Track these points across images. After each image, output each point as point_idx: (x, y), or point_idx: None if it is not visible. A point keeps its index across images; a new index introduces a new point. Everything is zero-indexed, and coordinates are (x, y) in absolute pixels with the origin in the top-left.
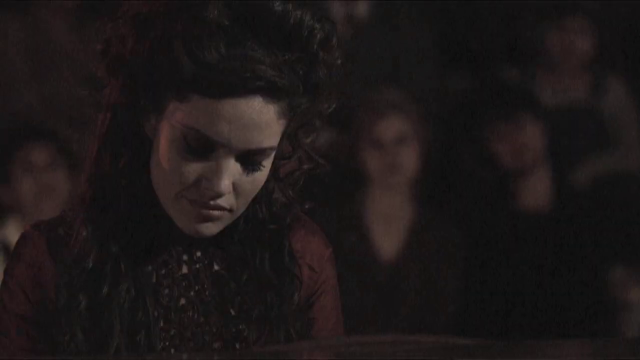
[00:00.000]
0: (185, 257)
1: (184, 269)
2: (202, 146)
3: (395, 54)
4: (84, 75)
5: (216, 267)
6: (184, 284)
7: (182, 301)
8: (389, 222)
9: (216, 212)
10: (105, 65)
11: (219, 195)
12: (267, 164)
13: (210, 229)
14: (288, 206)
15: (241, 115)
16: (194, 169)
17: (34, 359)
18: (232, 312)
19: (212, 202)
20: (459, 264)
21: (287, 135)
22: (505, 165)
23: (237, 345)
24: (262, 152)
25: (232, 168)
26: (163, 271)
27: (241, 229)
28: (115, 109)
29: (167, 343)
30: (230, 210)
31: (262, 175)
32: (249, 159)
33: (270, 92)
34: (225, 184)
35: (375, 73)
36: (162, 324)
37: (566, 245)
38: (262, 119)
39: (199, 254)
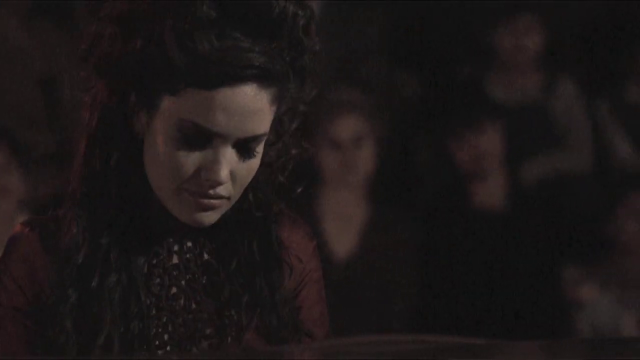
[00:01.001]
0: (176, 248)
1: (175, 259)
2: (199, 137)
3: (348, 53)
4: (37, 74)
5: (206, 257)
6: (174, 273)
7: (174, 290)
8: (344, 222)
9: (216, 201)
10: (92, 66)
11: (220, 184)
12: (260, 150)
13: (210, 217)
14: (274, 193)
15: (236, 103)
16: (192, 160)
17: (34, 359)
18: (223, 299)
19: (212, 192)
20: (414, 263)
21: (273, 121)
22: (460, 164)
23: (229, 331)
24: (256, 139)
25: (229, 156)
26: (154, 261)
27: (229, 218)
28: (103, 109)
29: (159, 329)
30: (229, 198)
31: (256, 161)
32: (245, 147)
33: (263, 79)
34: (225, 172)
35: (330, 73)
36: (154, 312)
37: (519, 245)
38: (256, 106)
39: (189, 244)
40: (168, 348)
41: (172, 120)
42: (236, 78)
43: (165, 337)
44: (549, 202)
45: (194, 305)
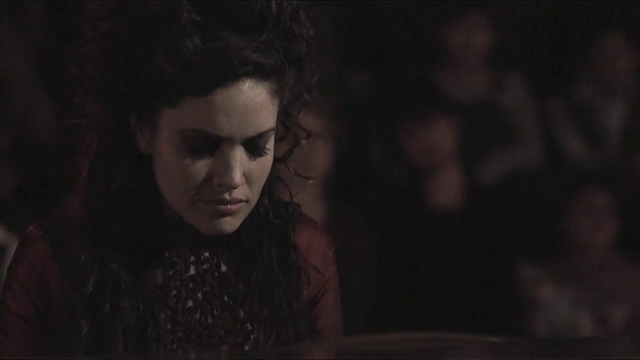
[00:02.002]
0: (192, 258)
1: (192, 270)
2: (205, 144)
3: None
4: None
5: (224, 268)
6: (191, 285)
7: (190, 303)
8: None
9: (234, 206)
10: (85, 91)
11: (234, 187)
12: (271, 146)
13: (231, 223)
14: (290, 194)
15: (235, 103)
16: (202, 169)
17: (36, 359)
18: (242, 314)
19: (228, 197)
20: (370, 261)
21: (279, 115)
22: (416, 162)
23: (246, 347)
24: (264, 136)
25: (240, 158)
26: (171, 272)
27: (247, 226)
28: (103, 132)
29: (174, 346)
30: (247, 201)
31: (268, 158)
32: (254, 145)
33: (257, 74)
34: (238, 175)
35: None
36: (169, 327)
37: (475, 243)
38: (256, 102)
39: (206, 254)
40: None
41: (175, 132)
42: (230, 78)
43: (180, 352)
44: (503, 199)
45: (210, 320)
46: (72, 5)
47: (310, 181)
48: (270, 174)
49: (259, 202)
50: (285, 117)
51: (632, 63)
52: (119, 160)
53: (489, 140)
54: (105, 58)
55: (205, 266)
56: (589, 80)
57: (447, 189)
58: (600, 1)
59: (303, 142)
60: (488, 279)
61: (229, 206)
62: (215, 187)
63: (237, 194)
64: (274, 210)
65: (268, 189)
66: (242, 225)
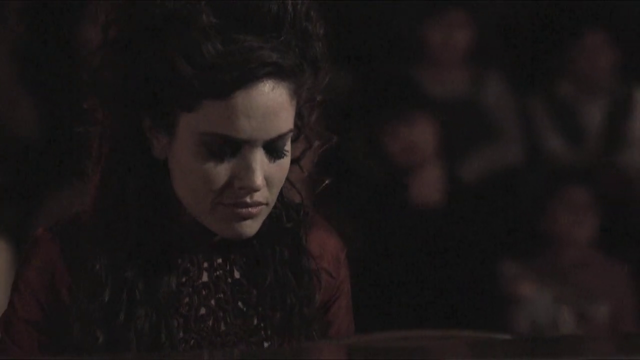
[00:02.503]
0: (205, 265)
1: (204, 277)
2: (226, 148)
3: None
4: None
5: (237, 275)
6: (204, 292)
7: (202, 310)
8: None
9: (255, 209)
10: (97, 98)
11: (256, 190)
12: (289, 148)
13: (252, 226)
14: (302, 196)
15: (256, 105)
16: (223, 172)
17: (41, 358)
18: (255, 322)
19: (249, 200)
20: (351, 258)
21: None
22: (398, 161)
23: None
24: (283, 137)
25: (260, 160)
26: (184, 279)
27: (260, 231)
28: (115, 138)
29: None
30: (267, 204)
31: (287, 161)
32: (274, 147)
33: (277, 75)
34: (260, 178)
35: None
36: (181, 334)
37: (457, 241)
38: (277, 103)
39: (219, 260)
40: None
41: (194, 137)
42: (250, 79)
43: (192, 352)
44: (484, 196)
45: (223, 328)
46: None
47: (326, 182)
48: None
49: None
50: (298, 118)
51: (612, 61)
52: (132, 166)
53: (470, 138)
54: (118, 63)
55: (218, 273)
56: (569, 78)
57: (428, 187)
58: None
59: (317, 143)
60: (470, 277)
61: (250, 209)
62: (237, 190)
63: (259, 196)
64: (286, 213)
65: (280, 191)
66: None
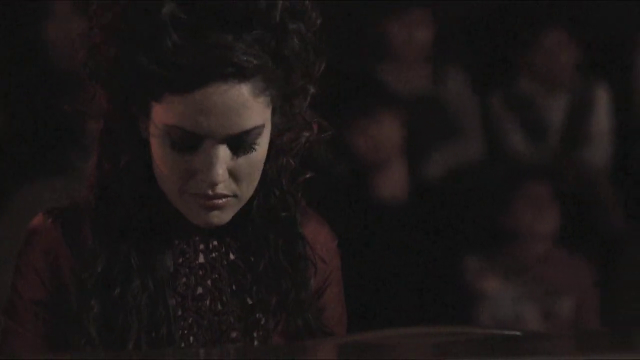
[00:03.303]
0: (202, 247)
1: (201, 258)
2: (187, 141)
3: None
4: None
5: (232, 257)
6: (200, 273)
7: (199, 290)
8: None
9: (220, 201)
10: (87, 74)
11: (215, 184)
12: (261, 142)
13: (220, 217)
14: (297, 187)
15: (214, 103)
16: (186, 164)
17: (47, 358)
18: (250, 302)
19: (211, 192)
20: None
21: (280, 109)
22: (363, 158)
23: (255, 334)
24: (248, 133)
25: (222, 155)
26: (180, 260)
27: (254, 218)
28: (107, 117)
29: (185, 331)
30: (235, 196)
31: (258, 155)
32: (238, 143)
33: (239, 74)
34: (219, 172)
35: None
36: (180, 312)
37: (421, 237)
38: (237, 102)
39: (215, 242)
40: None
41: (161, 126)
42: (209, 79)
43: (191, 339)
44: (447, 193)
45: (220, 307)
46: None
47: (307, 175)
48: (279, 165)
49: (268, 193)
50: (288, 108)
51: (572, 58)
52: (122, 144)
53: (433, 135)
54: (104, 46)
55: (214, 254)
56: (530, 75)
57: (393, 184)
58: None
59: (306, 134)
60: (434, 273)
61: (214, 201)
62: (199, 182)
63: (222, 189)
64: (282, 201)
65: (277, 179)
66: (249, 217)
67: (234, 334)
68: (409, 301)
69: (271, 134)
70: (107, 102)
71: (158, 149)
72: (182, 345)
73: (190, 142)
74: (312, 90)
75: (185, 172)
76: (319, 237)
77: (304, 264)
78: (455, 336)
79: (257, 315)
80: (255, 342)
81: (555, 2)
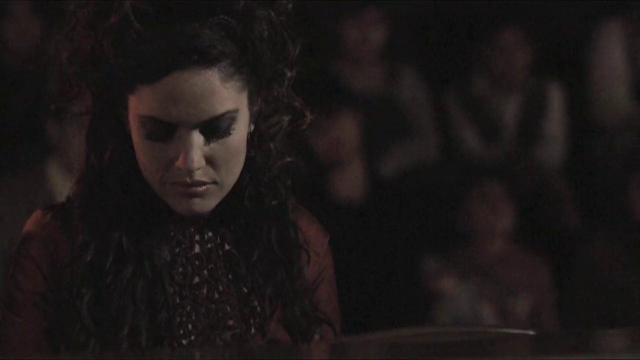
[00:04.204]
0: (197, 237)
1: (197, 249)
2: (161, 130)
3: None
4: None
5: (227, 247)
6: (197, 262)
7: (196, 279)
8: None
9: (200, 188)
10: (72, 73)
11: (191, 171)
12: (237, 127)
13: (202, 205)
14: (284, 175)
15: (182, 91)
16: (162, 152)
17: (41, 359)
18: (245, 290)
19: (189, 180)
20: None
21: (259, 93)
22: (322, 157)
23: (252, 321)
24: (220, 119)
25: (196, 142)
26: (177, 250)
27: (247, 208)
28: (92, 114)
29: (183, 319)
30: (215, 183)
31: (234, 140)
32: (212, 128)
33: (204, 61)
34: (194, 159)
35: None
36: (178, 301)
37: (379, 237)
38: (205, 88)
39: (210, 234)
40: (192, 338)
41: (136, 118)
42: (174, 67)
43: (189, 326)
44: (404, 192)
45: (216, 295)
46: None
47: (289, 159)
48: (264, 151)
49: (258, 182)
50: (267, 94)
51: (527, 58)
52: (108, 137)
53: (388, 134)
54: (85, 45)
55: (209, 245)
56: (484, 74)
57: (351, 183)
58: None
59: (286, 118)
60: (391, 272)
61: (194, 188)
62: (176, 170)
63: (200, 176)
64: (272, 189)
65: (265, 166)
66: (241, 208)
67: (230, 322)
68: (367, 301)
69: (256, 119)
70: (92, 99)
71: (136, 141)
72: (181, 332)
73: (163, 132)
74: (289, 73)
75: (162, 162)
76: (311, 232)
77: (297, 251)
78: (467, 335)
79: (253, 303)
80: (252, 330)
81: (509, 2)
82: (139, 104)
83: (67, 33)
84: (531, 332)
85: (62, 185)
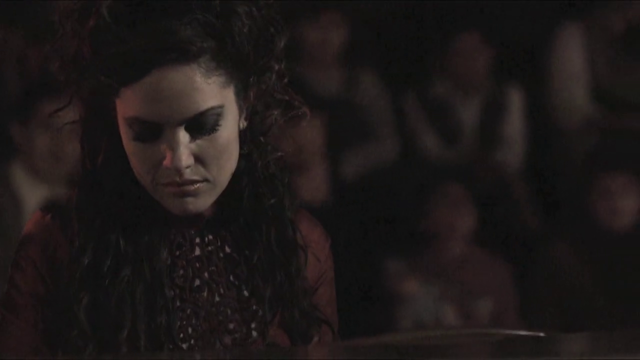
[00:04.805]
0: (197, 240)
1: (197, 251)
2: (147, 130)
3: None
4: None
5: (227, 250)
6: (197, 265)
7: (197, 282)
8: None
9: (191, 187)
10: (63, 82)
11: (179, 169)
12: (224, 123)
13: (196, 204)
14: (282, 172)
15: (163, 89)
16: (151, 153)
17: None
18: (246, 294)
19: (179, 179)
20: None
21: (248, 88)
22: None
23: (253, 325)
24: (204, 115)
25: (183, 140)
26: (177, 252)
27: (245, 209)
28: (84, 119)
29: (184, 322)
30: (207, 181)
31: (222, 136)
32: (198, 125)
33: (183, 58)
34: (182, 157)
35: None
36: (178, 304)
37: (341, 239)
38: (186, 84)
39: (210, 236)
40: (192, 342)
41: (123, 120)
42: (154, 64)
43: (190, 330)
44: (366, 194)
45: (217, 298)
46: None
47: (279, 154)
48: (258, 146)
49: (255, 180)
50: (257, 88)
51: (486, 60)
52: (100, 142)
53: (349, 137)
54: (72, 52)
55: (210, 248)
56: (444, 77)
57: (313, 186)
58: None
59: (275, 112)
60: (354, 274)
61: (186, 187)
62: (166, 170)
63: (190, 174)
64: (270, 189)
65: (259, 161)
66: (240, 209)
67: (231, 326)
68: None
69: (249, 115)
70: (82, 106)
71: (126, 143)
72: (181, 335)
73: (150, 132)
74: (277, 66)
75: (152, 162)
76: (312, 236)
77: (295, 251)
78: (479, 337)
79: (253, 307)
80: (253, 334)
81: (468, 5)
82: (124, 107)
83: (54, 44)
84: (541, 334)
85: (27, 187)
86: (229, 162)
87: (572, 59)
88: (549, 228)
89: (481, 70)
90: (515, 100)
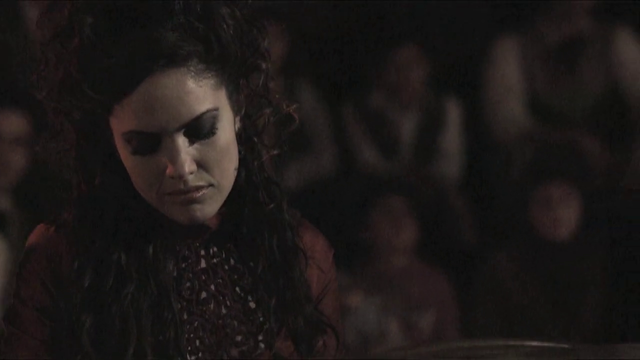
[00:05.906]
0: (202, 252)
1: (203, 264)
2: (145, 142)
3: None
4: None
5: (232, 262)
6: (203, 277)
7: (203, 294)
8: None
9: (196, 193)
10: (52, 109)
11: (183, 176)
12: (222, 125)
13: (203, 210)
14: (278, 174)
15: (156, 97)
16: (152, 165)
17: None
18: (252, 305)
19: (183, 187)
20: None
21: (238, 89)
22: None
23: (260, 337)
24: (201, 118)
25: (183, 146)
26: (183, 265)
27: (247, 217)
28: (77, 144)
29: (191, 335)
30: (212, 185)
31: (221, 139)
32: (195, 130)
33: (171, 64)
34: (184, 164)
35: None
36: (185, 317)
37: None
38: (178, 89)
39: (215, 248)
40: (200, 355)
41: (120, 137)
42: (143, 74)
43: (197, 342)
44: (306, 207)
45: (224, 311)
46: None
47: (275, 151)
48: (252, 148)
49: (253, 185)
50: (247, 89)
51: (423, 73)
52: (96, 164)
53: (289, 148)
54: (57, 77)
55: (215, 260)
56: (381, 89)
57: None
58: (393, 12)
59: (266, 111)
60: None
61: (191, 194)
62: (169, 179)
63: (193, 181)
64: (267, 193)
65: (258, 166)
66: (241, 219)
67: (238, 338)
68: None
69: (241, 116)
70: (74, 131)
71: (125, 160)
72: (189, 349)
73: (148, 144)
74: (264, 65)
75: (154, 175)
76: (316, 246)
77: (296, 255)
78: (505, 349)
79: (260, 319)
80: (261, 345)
81: (406, 18)
82: (120, 122)
83: (41, 72)
84: (566, 346)
85: None
86: (231, 164)
87: (508, 72)
88: (490, 239)
89: (418, 83)
90: (452, 113)
